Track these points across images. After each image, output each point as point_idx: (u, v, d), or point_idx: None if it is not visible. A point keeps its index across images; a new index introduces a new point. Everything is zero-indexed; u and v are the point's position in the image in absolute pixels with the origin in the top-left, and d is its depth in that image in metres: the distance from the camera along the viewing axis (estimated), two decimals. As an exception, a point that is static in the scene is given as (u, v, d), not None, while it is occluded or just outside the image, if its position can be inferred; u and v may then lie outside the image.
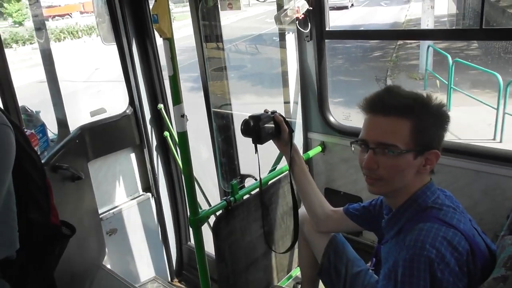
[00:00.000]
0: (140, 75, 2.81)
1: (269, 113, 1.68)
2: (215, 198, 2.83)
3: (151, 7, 2.76)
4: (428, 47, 7.99)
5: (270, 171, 2.21)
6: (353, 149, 1.28)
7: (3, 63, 1.85)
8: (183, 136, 1.55)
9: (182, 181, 3.13)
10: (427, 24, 8.70)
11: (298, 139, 2.34)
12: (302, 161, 1.72)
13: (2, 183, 1.02)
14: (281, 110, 2.38)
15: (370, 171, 1.21)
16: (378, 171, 1.20)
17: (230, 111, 2.58)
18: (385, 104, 1.19)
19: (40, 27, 2.46)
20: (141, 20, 2.74)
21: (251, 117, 1.64)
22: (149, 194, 3.12)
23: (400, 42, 11.35)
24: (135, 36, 2.75)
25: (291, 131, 1.71)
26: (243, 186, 2.43)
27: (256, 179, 2.55)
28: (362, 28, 12.17)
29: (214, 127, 2.35)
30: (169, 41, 1.42)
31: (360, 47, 12.20)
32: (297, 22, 2.00)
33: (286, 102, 2.32)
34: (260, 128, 1.61)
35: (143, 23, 2.75)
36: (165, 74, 3.04)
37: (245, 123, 1.64)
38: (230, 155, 2.72)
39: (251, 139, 1.64)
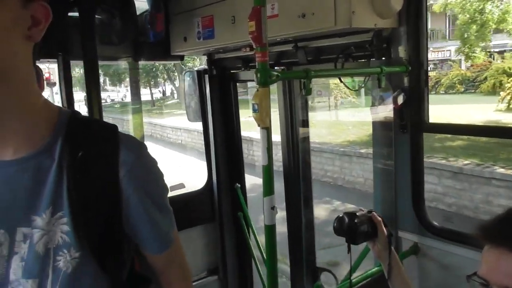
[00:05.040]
0: (221, 153, 2.83)
1: (365, 212, 1.55)
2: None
3: (238, 90, 2.93)
4: None
5: (353, 268, 1.99)
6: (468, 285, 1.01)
7: None
8: (271, 229, 1.44)
9: (252, 265, 2.96)
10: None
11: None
12: (403, 271, 1.51)
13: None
14: (370, 203, 2.22)
15: None
16: None
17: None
18: (509, 235, 0.90)
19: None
20: (227, 101, 2.82)
21: (346, 214, 1.53)
22: (216, 277, 2.97)
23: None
24: (220, 116, 2.82)
25: (390, 234, 1.53)
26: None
27: (336, 278, 2.33)
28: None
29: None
30: (267, 131, 1.38)
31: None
32: (393, 112, 1.90)
33: (376, 195, 2.14)
34: (356, 227, 1.48)
35: (229, 105, 2.83)
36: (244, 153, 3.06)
37: (340, 220, 1.52)
38: (307, 244, 2.54)
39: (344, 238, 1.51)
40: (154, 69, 22.98)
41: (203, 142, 2.89)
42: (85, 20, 1.89)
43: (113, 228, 0.85)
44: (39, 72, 2.04)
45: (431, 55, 22.01)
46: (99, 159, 0.83)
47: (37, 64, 1.98)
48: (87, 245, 0.80)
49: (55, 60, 1.98)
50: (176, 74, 24.48)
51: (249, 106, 1.38)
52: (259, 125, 1.38)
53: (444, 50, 22.99)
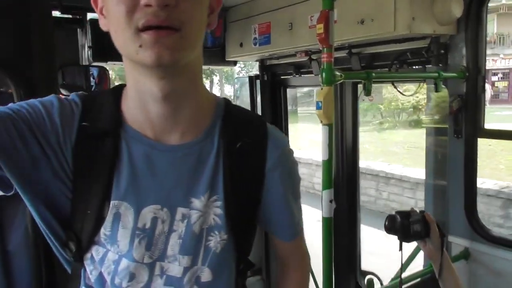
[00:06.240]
0: None
1: (418, 212, 1.58)
2: None
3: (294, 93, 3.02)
4: None
5: (401, 271, 2.01)
6: None
7: None
8: (328, 222, 1.50)
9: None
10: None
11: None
12: (455, 274, 1.52)
13: None
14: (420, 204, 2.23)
15: None
16: None
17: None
18: None
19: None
20: (277, 106, 2.93)
21: (399, 212, 1.56)
22: (259, 277, 3.03)
23: None
24: (270, 120, 2.91)
25: (443, 235, 1.55)
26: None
27: (381, 282, 2.35)
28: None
29: None
30: (329, 127, 1.46)
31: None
32: (449, 117, 1.93)
33: (427, 198, 2.16)
34: (409, 225, 1.51)
35: (278, 109, 2.93)
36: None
37: (391, 219, 1.55)
38: (352, 248, 2.57)
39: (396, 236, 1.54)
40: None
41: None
42: None
43: (253, 215, 0.90)
44: (105, 72, 2.21)
45: (500, 63, 19.62)
46: (251, 150, 0.87)
47: (102, 65, 2.16)
48: (232, 228, 0.85)
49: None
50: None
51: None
52: (321, 122, 1.47)
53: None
